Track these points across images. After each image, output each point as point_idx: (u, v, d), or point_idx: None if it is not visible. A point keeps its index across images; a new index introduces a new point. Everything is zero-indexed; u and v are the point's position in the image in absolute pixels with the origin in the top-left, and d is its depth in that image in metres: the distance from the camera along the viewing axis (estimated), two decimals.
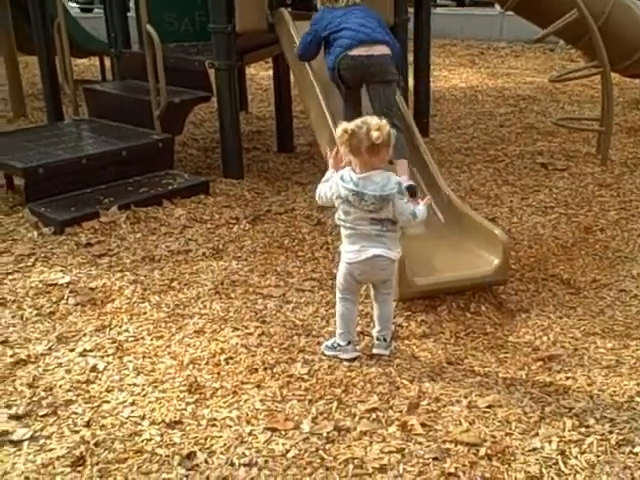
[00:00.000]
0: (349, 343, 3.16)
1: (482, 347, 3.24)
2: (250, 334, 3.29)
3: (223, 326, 3.37)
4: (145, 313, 3.48)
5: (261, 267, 3.99)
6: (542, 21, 6.20)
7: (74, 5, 20.96)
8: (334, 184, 3.08)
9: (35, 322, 3.40)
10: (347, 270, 3.14)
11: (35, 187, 4.62)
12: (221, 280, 3.83)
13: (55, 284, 3.76)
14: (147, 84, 5.37)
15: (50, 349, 3.17)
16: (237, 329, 3.34)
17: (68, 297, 3.61)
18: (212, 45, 5.33)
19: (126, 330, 3.33)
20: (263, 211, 4.86)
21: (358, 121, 3.06)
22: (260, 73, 10.40)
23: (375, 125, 2.99)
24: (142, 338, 3.26)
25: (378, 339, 3.20)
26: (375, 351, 3.18)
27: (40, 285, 3.76)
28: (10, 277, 3.87)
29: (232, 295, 3.67)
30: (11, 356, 3.11)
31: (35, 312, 3.48)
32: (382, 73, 4.31)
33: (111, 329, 3.34)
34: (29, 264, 4.02)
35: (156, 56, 5.12)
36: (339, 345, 3.16)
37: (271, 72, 9.62)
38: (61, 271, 3.92)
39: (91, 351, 3.16)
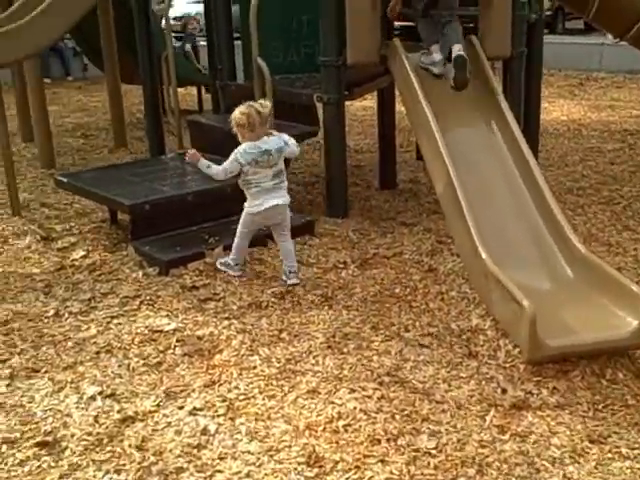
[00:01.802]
0: (237, 264, 4.25)
1: (626, 423, 2.91)
2: (368, 397, 3.05)
3: (338, 386, 3.14)
4: (255, 368, 3.29)
5: (374, 318, 3.76)
6: None
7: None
8: (237, 157, 3.99)
9: (142, 373, 3.25)
10: (251, 219, 4.16)
11: (140, 224, 4.53)
12: (332, 332, 3.61)
13: (161, 331, 3.62)
14: None
15: (158, 405, 3.00)
16: (354, 390, 3.10)
17: (175, 346, 3.46)
18: (321, 78, 5.17)
19: (236, 387, 3.13)
20: (370, 254, 4.63)
21: (244, 106, 4.02)
22: (355, 104, 10.22)
23: (259, 105, 4.04)
24: (253, 397, 3.06)
25: (290, 272, 4.16)
26: (290, 282, 4.13)
27: (146, 331, 3.62)
28: (115, 321, 3.75)
29: (345, 350, 3.45)
30: (119, 412, 2.96)
31: (142, 362, 3.34)
32: None
33: (220, 385, 3.16)
34: (134, 307, 3.90)
35: (265, 90, 4.99)
36: (229, 264, 4.24)
37: (366, 103, 9.52)
38: (167, 316, 3.78)
39: (201, 410, 2.97)
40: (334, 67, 5.07)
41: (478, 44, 5.02)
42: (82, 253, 4.70)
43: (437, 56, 4.93)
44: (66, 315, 3.83)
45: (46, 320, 3.78)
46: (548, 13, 14.69)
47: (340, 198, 5.29)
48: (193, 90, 10.35)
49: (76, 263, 4.57)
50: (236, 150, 4.02)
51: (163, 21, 19.82)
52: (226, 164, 4.05)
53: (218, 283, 4.15)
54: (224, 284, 4.15)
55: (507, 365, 3.31)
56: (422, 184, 6.42)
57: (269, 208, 4.07)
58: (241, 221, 4.19)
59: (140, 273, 4.31)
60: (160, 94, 10.83)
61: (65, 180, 5.09)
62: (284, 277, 4.18)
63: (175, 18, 22.12)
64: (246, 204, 4.15)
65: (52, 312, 3.86)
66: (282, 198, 4.14)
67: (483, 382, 3.17)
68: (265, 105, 4.05)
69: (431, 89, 4.71)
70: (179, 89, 10.89)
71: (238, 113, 3.98)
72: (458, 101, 4.85)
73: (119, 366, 3.31)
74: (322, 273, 4.31)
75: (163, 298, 3.99)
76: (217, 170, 4.09)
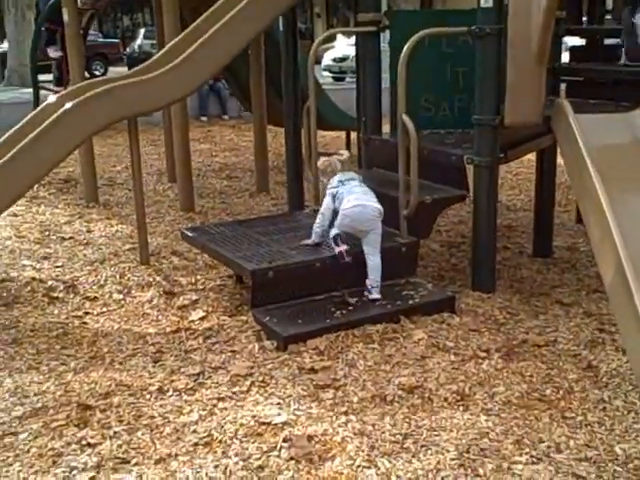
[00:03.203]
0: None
1: None
2: None
3: None
4: None
5: (517, 430, 3.15)
6: None
7: (327, 74, 21.51)
8: (327, 191, 4.57)
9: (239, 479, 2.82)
10: (346, 220, 4.36)
11: (262, 291, 4.14)
12: (467, 445, 3.03)
13: (269, 423, 3.17)
14: (394, 175, 4.79)
15: None
16: None
17: (281, 447, 2.99)
18: (474, 138, 4.63)
19: None
20: (518, 341, 4.02)
21: (327, 157, 4.74)
22: None
23: (339, 155, 4.70)
24: None
25: (372, 287, 4.28)
26: (370, 297, 4.28)
27: (252, 422, 3.18)
28: (221, 405, 3.35)
29: (481, 471, 2.86)
30: None
31: (241, 464, 2.89)
32: None
33: None
34: (244, 389, 3.49)
35: (410, 149, 4.52)
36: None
37: None
38: (278, 404, 3.34)
39: None
40: (489, 127, 4.52)
41: None
42: (201, 314, 4.39)
43: None
44: (170, 392, 3.48)
45: (148, 396, 3.44)
46: None
47: (487, 272, 4.70)
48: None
49: (193, 326, 4.26)
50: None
51: (322, 62, 19.88)
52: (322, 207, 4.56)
53: (340, 366, 3.68)
54: (347, 368, 3.67)
55: None
56: (582, 252, 5.73)
57: (361, 205, 4.32)
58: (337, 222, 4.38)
59: (256, 346, 3.91)
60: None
61: (190, 235, 4.82)
62: (365, 292, 4.32)
63: (335, 59, 22.38)
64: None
65: (156, 386, 3.52)
66: (374, 203, 4.37)
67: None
68: (343, 154, 4.71)
69: (605, 158, 4.05)
70: (329, 132, 10.78)
71: (322, 161, 4.70)
72: (637, 172, 4.17)
73: (215, 467, 2.88)
74: (460, 362, 3.74)
75: (277, 380, 3.56)
76: (319, 218, 4.54)
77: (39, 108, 5.47)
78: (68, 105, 5.05)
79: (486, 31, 4.47)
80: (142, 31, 29.15)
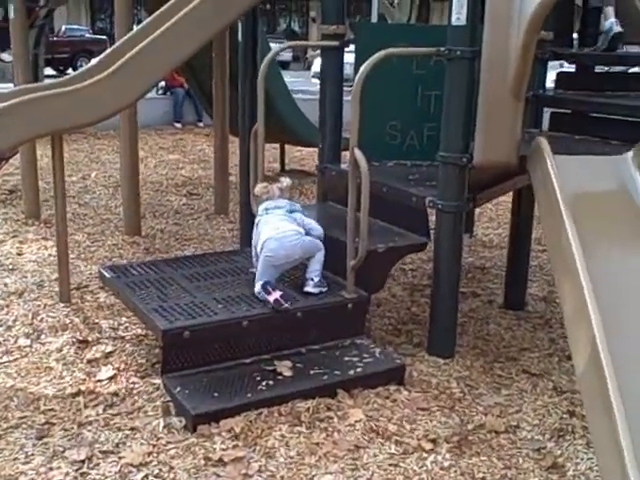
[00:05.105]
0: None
1: None
2: None
3: None
4: None
5: None
6: None
7: (316, 81, 20.82)
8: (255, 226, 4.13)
9: None
10: None
11: (176, 355, 3.51)
12: None
13: None
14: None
15: None
16: None
17: None
18: (438, 178, 4.05)
19: None
20: (473, 425, 3.42)
21: (266, 182, 4.25)
22: None
23: (279, 182, 4.24)
24: None
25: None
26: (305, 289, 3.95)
27: None
28: None
29: None
30: None
31: None
32: None
33: None
34: None
35: (361, 188, 3.91)
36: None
37: None
38: None
39: None
40: (456, 166, 3.93)
41: None
42: (110, 372, 3.77)
43: None
44: None
45: None
46: None
47: (446, 335, 4.09)
48: None
49: (97, 388, 3.63)
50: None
51: (312, 68, 19.19)
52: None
53: (255, 457, 3.05)
54: (263, 459, 3.04)
55: None
56: (558, 305, 5.13)
57: (276, 237, 4.02)
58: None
59: (162, 423, 3.28)
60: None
61: (107, 276, 4.18)
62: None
63: None
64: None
65: (28, 477, 2.89)
66: (290, 227, 4.06)
67: None
68: (283, 181, 4.25)
69: (586, 211, 3.45)
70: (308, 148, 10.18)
71: (260, 187, 4.19)
72: (622, 230, 3.58)
73: None
74: (400, 456, 3.12)
75: (175, 474, 2.93)
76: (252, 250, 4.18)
77: None
78: None
79: (456, 53, 3.89)
80: None
